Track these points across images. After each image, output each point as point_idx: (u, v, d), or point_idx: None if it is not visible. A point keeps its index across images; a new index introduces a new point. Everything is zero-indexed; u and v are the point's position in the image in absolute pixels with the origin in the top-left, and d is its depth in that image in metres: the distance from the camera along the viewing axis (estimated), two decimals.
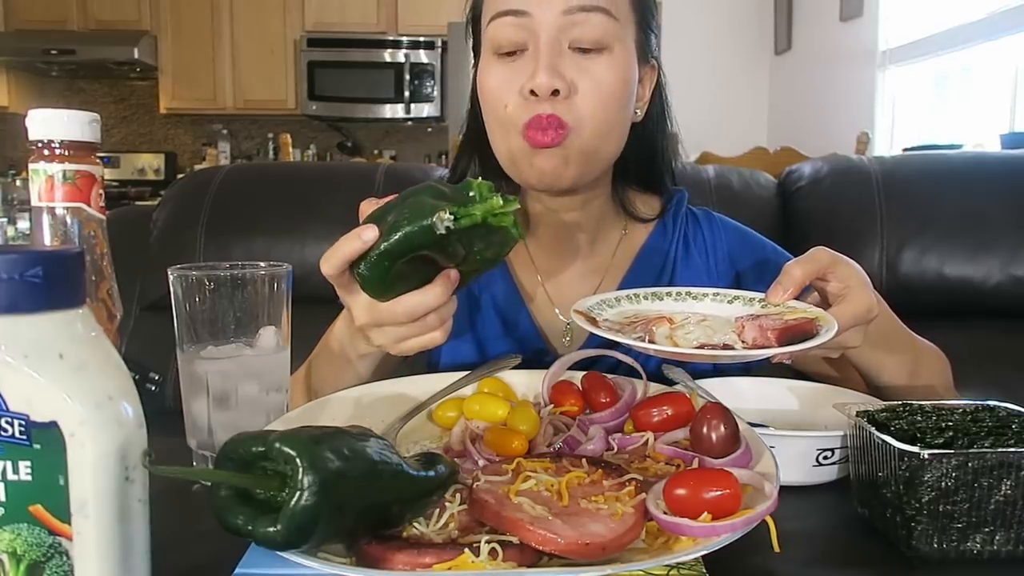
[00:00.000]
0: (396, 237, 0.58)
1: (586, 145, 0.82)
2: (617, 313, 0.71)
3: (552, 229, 0.94)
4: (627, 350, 0.87)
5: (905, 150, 2.96)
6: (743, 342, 0.63)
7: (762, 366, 0.95)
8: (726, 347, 0.62)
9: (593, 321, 0.67)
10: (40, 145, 0.60)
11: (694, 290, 0.75)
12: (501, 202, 0.61)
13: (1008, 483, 0.52)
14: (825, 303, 0.70)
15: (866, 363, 0.81)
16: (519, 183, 0.88)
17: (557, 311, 0.93)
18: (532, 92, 0.79)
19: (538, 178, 0.83)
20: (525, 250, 0.96)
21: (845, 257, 0.71)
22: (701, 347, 0.62)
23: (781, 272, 0.70)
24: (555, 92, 0.78)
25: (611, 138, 0.85)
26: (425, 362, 0.97)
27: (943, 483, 0.52)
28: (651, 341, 0.64)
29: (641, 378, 0.72)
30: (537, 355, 0.91)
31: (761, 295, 0.71)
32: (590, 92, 0.80)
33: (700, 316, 0.68)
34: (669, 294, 0.75)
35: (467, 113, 0.96)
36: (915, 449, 0.52)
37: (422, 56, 5.01)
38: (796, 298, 0.69)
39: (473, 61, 0.93)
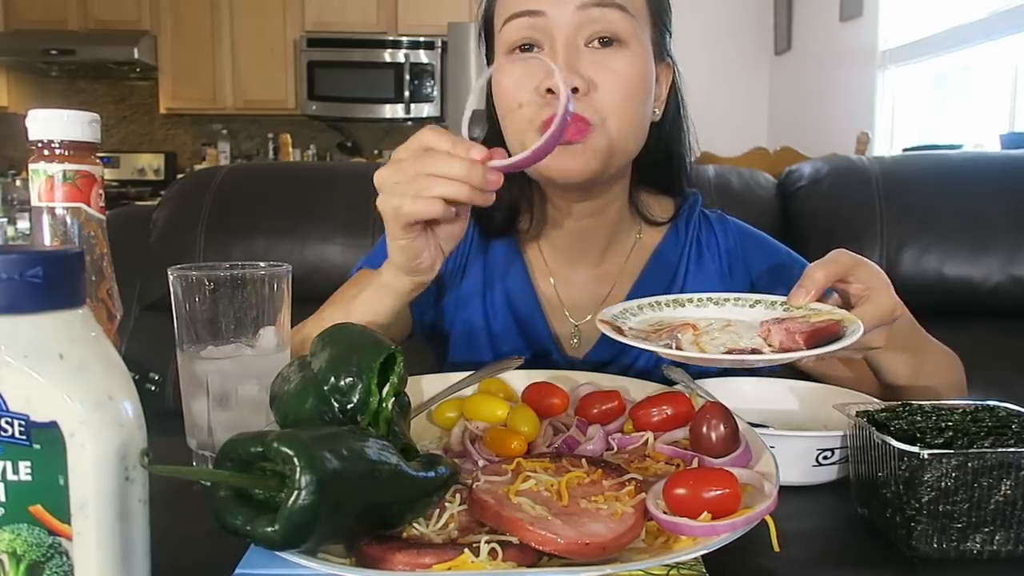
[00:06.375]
0: None
1: (610, 141, 0.80)
2: (641, 321, 0.71)
3: (567, 233, 0.93)
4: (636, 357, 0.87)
5: (905, 150, 2.95)
6: (770, 346, 0.63)
7: (770, 367, 0.96)
8: (754, 351, 0.62)
9: (619, 330, 0.67)
10: (40, 145, 0.60)
11: (715, 296, 0.76)
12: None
13: (1008, 483, 0.52)
14: (847, 305, 0.71)
15: (885, 362, 0.80)
16: (535, 179, 0.88)
17: (567, 313, 0.93)
18: (549, 90, 0.77)
19: (561, 175, 0.81)
20: (539, 251, 0.95)
21: (866, 259, 0.72)
22: (729, 352, 0.62)
23: (803, 275, 0.70)
24: (574, 90, 0.77)
25: (633, 133, 0.84)
26: (436, 355, 0.97)
27: (943, 483, 0.52)
28: (678, 348, 0.64)
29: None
30: (545, 355, 0.91)
31: (783, 298, 0.71)
32: (610, 86, 0.79)
33: (724, 321, 0.68)
34: (691, 300, 0.75)
35: (485, 115, 0.95)
36: (915, 449, 0.52)
37: (422, 56, 5.01)
38: (818, 300, 0.69)
39: (486, 63, 0.92)
